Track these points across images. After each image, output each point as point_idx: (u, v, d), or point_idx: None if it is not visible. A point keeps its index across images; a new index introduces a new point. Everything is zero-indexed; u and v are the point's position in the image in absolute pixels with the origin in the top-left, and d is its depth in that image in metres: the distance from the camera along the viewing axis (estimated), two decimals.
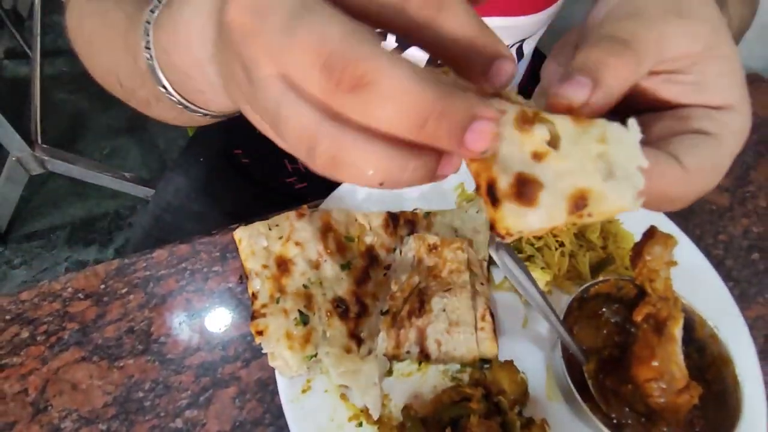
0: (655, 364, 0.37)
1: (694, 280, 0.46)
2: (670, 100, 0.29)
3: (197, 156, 0.91)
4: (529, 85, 0.96)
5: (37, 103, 2.03)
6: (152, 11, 0.38)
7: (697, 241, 0.53)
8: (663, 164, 0.26)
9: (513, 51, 0.83)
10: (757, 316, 0.48)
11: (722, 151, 0.28)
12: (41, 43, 2.47)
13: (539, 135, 0.22)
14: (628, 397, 0.39)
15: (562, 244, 0.48)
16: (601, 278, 0.43)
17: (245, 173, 0.90)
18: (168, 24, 0.36)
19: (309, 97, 0.22)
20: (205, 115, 0.40)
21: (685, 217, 0.56)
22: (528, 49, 0.85)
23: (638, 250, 0.39)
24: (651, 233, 0.39)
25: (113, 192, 1.90)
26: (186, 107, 0.39)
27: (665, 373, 0.37)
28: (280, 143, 0.25)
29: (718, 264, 0.51)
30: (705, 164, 0.27)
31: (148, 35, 0.38)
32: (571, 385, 0.37)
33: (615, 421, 0.40)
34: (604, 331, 0.43)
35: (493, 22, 0.71)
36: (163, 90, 0.38)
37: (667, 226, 0.51)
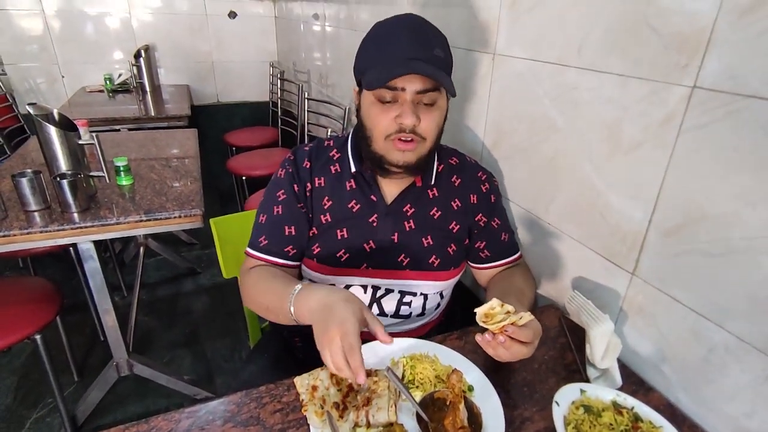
0: (450, 419, 0.96)
1: (484, 390, 1.09)
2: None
3: (262, 352, 1.43)
4: (452, 308, 1.54)
5: (133, 323, 2.68)
6: (293, 294, 1.04)
7: (496, 378, 1.16)
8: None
9: (437, 296, 1.37)
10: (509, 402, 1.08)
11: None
12: (128, 280, 3.29)
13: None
14: None
15: (431, 381, 1.12)
16: (438, 389, 1.05)
17: (297, 356, 1.40)
18: (300, 299, 1.02)
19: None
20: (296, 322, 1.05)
21: (495, 370, 1.19)
22: (446, 292, 1.39)
23: (448, 376, 1.03)
24: (453, 371, 1.04)
25: (168, 391, 2.40)
26: (296, 322, 1.04)
27: (455, 422, 0.96)
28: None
29: (501, 388, 1.13)
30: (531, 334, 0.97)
31: (291, 302, 1.03)
32: (419, 428, 0.97)
33: None
34: (440, 412, 1.02)
35: (425, 282, 1.33)
36: (292, 318, 1.04)
37: (475, 371, 1.13)
